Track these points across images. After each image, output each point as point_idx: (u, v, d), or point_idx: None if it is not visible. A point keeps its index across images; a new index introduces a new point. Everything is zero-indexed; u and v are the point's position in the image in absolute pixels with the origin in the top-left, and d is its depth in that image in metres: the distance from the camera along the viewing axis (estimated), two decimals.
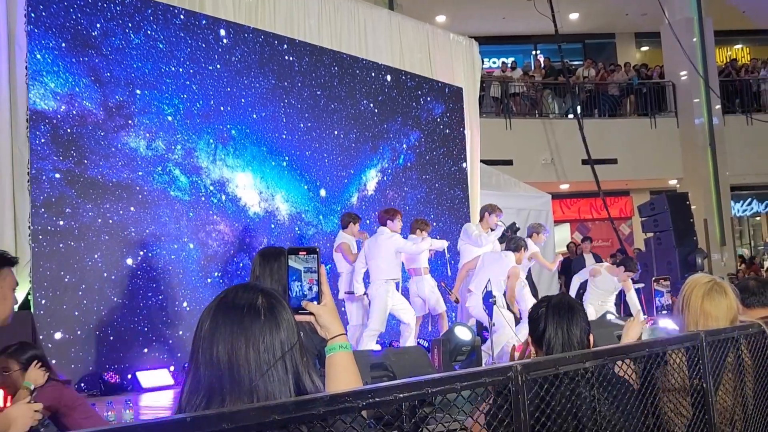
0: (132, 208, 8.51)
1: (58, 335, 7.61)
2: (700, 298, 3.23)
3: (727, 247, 19.30)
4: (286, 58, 10.58)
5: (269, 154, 10.16)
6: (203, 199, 9.33)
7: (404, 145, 12.44)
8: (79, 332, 7.79)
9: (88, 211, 8.09)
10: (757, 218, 23.43)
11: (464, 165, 13.45)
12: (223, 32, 9.78)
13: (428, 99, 12.86)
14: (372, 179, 11.84)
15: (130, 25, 8.75)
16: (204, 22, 9.60)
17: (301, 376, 1.67)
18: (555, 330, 2.84)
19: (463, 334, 8.24)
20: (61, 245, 7.82)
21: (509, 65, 21.26)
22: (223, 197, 9.57)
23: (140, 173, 8.66)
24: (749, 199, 22.37)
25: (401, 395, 1.53)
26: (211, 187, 9.46)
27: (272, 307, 1.69)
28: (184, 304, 8.83)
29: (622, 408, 2.46)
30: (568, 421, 2.26)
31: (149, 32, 8.95)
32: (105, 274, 8.20)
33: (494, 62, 21.91)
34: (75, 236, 7.98)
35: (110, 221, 8.29)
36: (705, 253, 14.08)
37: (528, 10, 17.60)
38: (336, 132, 11.19)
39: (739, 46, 25.90)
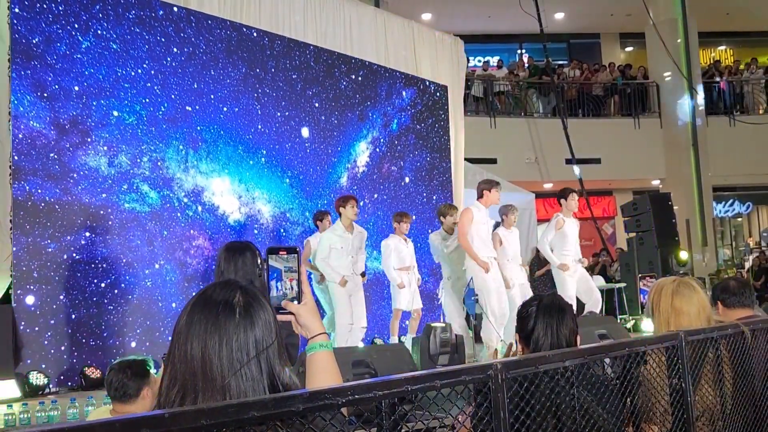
0: (96, 235, 7.79)
1: (37, 328, 7.37)
2: (669, 297, 3.25)
3: (709, 247, 19.41)
4: (255, 36, 9.85)
5: (245, 152, 9.51)
6: (178, 214, 8.64)
7: (397, 107, 11.86)
8: (60, 329, 7.53)
9: (47, 247, 7.38)
10: (739, 219, 23.56)
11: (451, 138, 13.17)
12: (182, 22, 8.89)
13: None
14: (362, 153, 11.20)
15: (76, 26, 7.80)
16: (161, 12, 8.70)
17: (276, 375, 1.65)
18: (544, 330, 2.84)
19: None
20: (19, 291, 7.17)
21: (495, 64, 21.28)
22: (199, 208, 8.90)
23: (104, 195, 7.89)
24: (731, 200, 22.49)
25: (381, 393, 1.53)
26: (185, 199, 8.74)
27: (248, 305, 1.67)
28: (167, 333, 8.07)
29: (602, 406, 2.47)
30: (548, 419, 2.26)
31: (99, 32, 8.02)
32: (73, 317, 7.54)
33: (479, 60, 21.94)
34: (35, 278, 7.27)
35: (75, 255, 7.56)
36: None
37: (513, 9, 17.60)
38: (317, 116, 10.58)
39: (722, 48, 26.03)
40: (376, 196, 11.40)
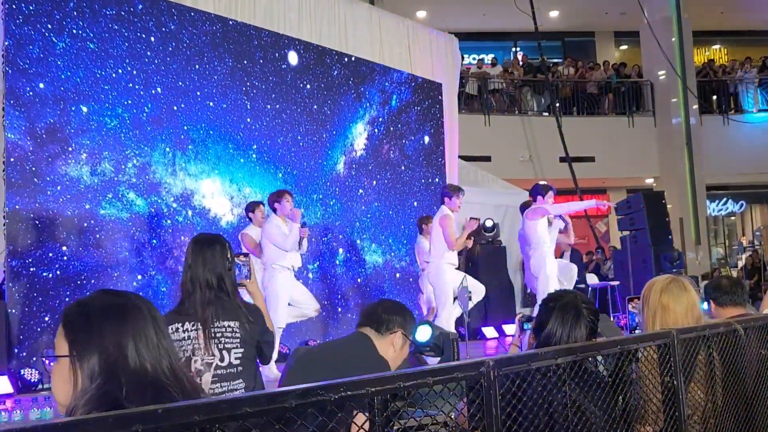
0: (81, 248, 7.38)
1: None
2: (658, 293, 3.26)
3: (702, 246, 19.46)
4: (240, 27, 9.42)
5: (236, 150, 9.11)
6: (167, 221, 8.27)
7: (395, 81, 11.64)
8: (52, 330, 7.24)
9: (28, 266, 6.98)
10: (732, 218, 23.62)
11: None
12: (164, 16, 8.43)
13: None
14: (360, 135, 10.87)
15: (49, 26, 7.27)
16: (140, 7, 8.19)
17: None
18: (556, 329, 2.83)
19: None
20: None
21: (490, 62, 21.30)
22: (189, 212, 8.52)
23: (87, 206, 7.47)
24: (724, 199, 22.54)
25: (373, 389, 1.54)
26: (174, 204, 8.35)
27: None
28: None
29: (594, 403, 2.48)
30: (540, 416, 2.27)
31: (75, 31, 7.48)
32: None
33: (474, 58, 21.95)
34: (15, 301, 6.87)
35: (58, 272, 7.17)
36: (679, 252, 14.18)
37: (508, 7, 17.61)
38: (309, 105, 10.20)
39: (716, 47, 26.07)
40: (375, 183, 11.13)
